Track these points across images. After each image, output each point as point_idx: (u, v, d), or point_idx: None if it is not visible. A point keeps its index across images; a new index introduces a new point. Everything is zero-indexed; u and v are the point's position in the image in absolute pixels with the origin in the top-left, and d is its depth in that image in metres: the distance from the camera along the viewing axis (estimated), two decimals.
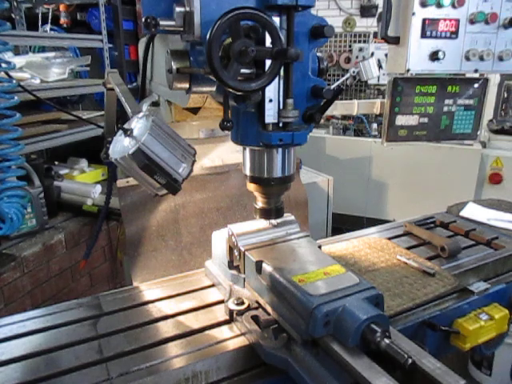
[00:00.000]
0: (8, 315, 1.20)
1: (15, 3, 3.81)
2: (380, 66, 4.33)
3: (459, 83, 1.84)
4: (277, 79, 0.95)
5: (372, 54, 4.70)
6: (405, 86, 1.82)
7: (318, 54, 1.08)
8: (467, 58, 1.61)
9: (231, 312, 1.15)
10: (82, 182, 3.27)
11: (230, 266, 1.26)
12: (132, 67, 3.89)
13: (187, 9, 0.89)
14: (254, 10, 0.84)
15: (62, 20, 4.09)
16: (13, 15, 3.83)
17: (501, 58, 1.65)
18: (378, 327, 0.89)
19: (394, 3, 1.59)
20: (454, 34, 1.59)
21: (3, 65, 1.79)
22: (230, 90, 0.88)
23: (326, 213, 3.41)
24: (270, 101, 0.98)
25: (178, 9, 0.90)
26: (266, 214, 1.21)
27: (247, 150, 1.14)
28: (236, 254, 1.24)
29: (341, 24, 6.04)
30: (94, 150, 2.40)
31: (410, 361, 0.82)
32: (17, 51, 3.67)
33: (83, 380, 0.96)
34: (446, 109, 1.90)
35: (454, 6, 1.56)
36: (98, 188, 3.07)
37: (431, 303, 1.28)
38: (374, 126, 4.71)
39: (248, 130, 1.06)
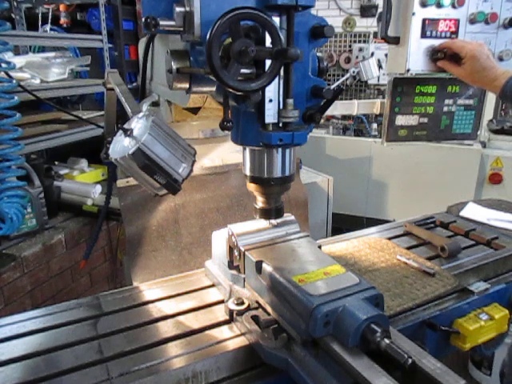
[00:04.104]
0: (8, 315, 1.20)
1: (15, 3, 3.81)
2: (380, 66, 4.33)
3: (459, 83, 1.84)
4: (277, 79, 0.95)
5: (372, 54, 4.69)
6: (405, 86, 1.82)
7: (318, 54, 1.08)
8: None
9: (231, 312, 1.15)
10: (82, 181, 3.27)
11: (230, 266, 1.26)
12: (132, 67, 3.90)
13: (187, 9, 0.89)
14: (254, 10, 0.84)
15: (62, 20, 4.08)
16: (13, 15, 3.83)
17: (501, 58, 1.65)
18: (377, 327, 0.89)
19: (394, 3, 1.59)
20: (454, 34, 1.59)
21: (3, 65, 1.79)
22: (230, 90, 0.88)
23: (326, 213, 3.40)
24: (270, 101, 0.98)
25: (178, 9, 0.90)
26: (265, 214, 1.21)
27: (247, 150, 1.14)
28: (236, 254, 1.23)
29: (341, 24, 6.02)
30: (94, 150, 2.41)
31: (410, 361, 0.82)
32: (17, 51, 3.66)
33: (83, 380, 0.96)
34: (445, 109, 1.90)
35: (453, 6, 1.56)
36: (98, 188, 3.07)
37: (431, 303, 1.28)
38: (374, 126, 4.70)
39: (248, 130, 1.05)
